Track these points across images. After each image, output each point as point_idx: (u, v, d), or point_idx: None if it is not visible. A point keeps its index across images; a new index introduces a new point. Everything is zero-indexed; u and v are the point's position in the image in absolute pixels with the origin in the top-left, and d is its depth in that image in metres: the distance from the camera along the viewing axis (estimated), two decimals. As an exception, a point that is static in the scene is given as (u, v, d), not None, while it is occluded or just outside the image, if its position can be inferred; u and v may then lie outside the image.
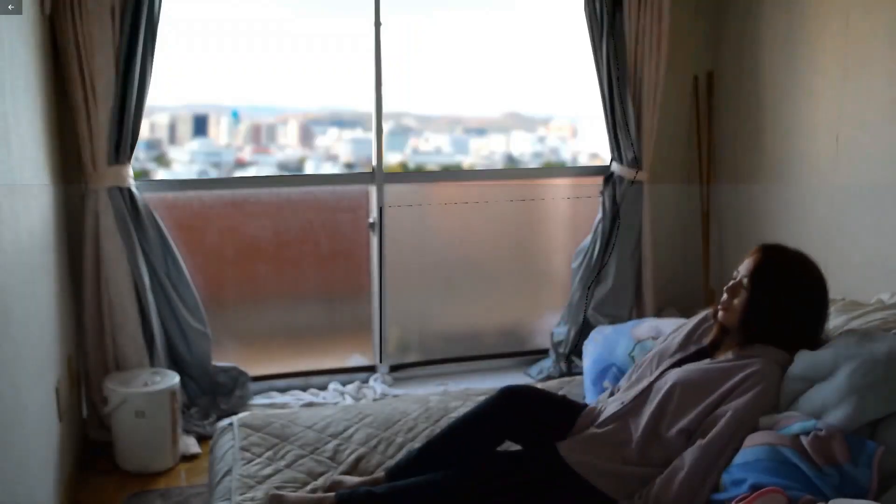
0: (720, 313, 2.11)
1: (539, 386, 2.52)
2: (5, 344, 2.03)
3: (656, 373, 2.15)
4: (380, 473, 2.20)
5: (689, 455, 1.90)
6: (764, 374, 1.96)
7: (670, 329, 2.78)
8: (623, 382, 2.30)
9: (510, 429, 2.18)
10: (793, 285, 2.04)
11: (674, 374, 2.07)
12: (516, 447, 2.26)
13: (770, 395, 1.95)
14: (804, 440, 1.76)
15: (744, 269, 2.09)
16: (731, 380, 1.97)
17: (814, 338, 2.08)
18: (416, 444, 2.38)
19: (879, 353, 1.87)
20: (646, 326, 2.83)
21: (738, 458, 1.83)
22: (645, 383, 2.13)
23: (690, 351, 2.18)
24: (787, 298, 2.03)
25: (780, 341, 2.04)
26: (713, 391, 1.97)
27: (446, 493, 2.01)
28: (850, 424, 1.80)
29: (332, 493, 2.06)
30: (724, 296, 2.09)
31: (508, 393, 2.20)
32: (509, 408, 2.18)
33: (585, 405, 2.29)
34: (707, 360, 2.10)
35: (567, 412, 2.22)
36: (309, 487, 2.18)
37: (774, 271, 2.04)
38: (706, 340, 2.18)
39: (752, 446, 1.82)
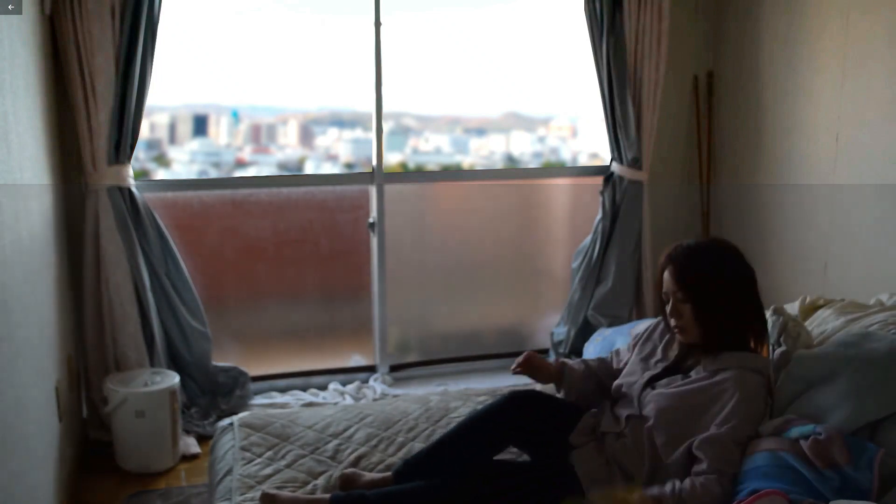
0: (678, 336, 2.06)
1: (539, 388, 2.52)
2: (5, 344, 2.03)
3: (636, 400, 2.08)
4: (388, 474, 2.19)
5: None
6: (741, 390, 1.90)
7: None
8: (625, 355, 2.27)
9: (515, 431, 2.16)
10: (717, 270, 1.99)
11: (652, 406, 2.01)
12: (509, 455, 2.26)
13: (754, 407, 1.91)
14: (803, 444, 1.76)
15: (668, 285, 2.03)
16: (711, 407, 1.91)
17: (757, 304, 2.03)
18: (418, 445, 2.39)
19: (877, 354, 1.87)
20: (643, 326, 2.84)
21: (741, 466, 1.82)
22: (631, 410, 2.07)
23: (658, 370, 2.11)
24: (721, 285, 1.98)
25: (742, 340, 2.00)
26: (696, 419, 1.92)
27: (440, 500, 2.01)
28: (850, 426, 1.80)
29: (327, 496, 2.07)
30: (672, 320, 2.03)
31: (515, 396, 2.19)
32: (516, 411, 2.16)
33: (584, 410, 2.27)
34: (679, 379, 2.03)
35: (570, 417, 2.19)
36: (309, 487, 2.18)
37: (695, 270, 1.99)
38: (673, 354, 2.12)
39: (752, 453, 1.82)
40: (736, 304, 2.00)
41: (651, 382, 2.08)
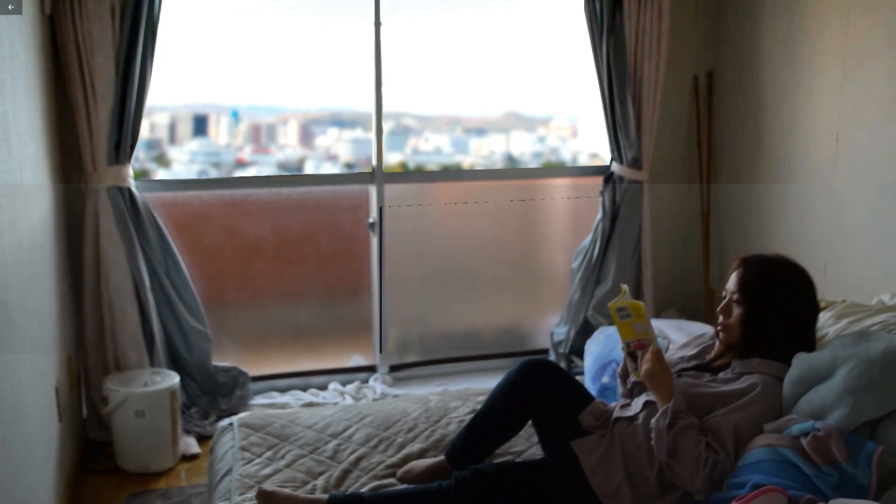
0: (720, 334, 2.14)
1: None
2: (5, 344, 2.03)
3: None
4: (442, 458, 2.28)
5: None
6: (760, 392, 1.98)
7: (669, 329, 2.77)
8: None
9: (531, 401, 2.22)
10: (781, 290, 2.06)
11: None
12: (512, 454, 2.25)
13: (765, 411, 1.96)
14: (803, 441, 1.77)
15: (731, 285, 2.12)
16: (728, 402, 1.98)
17: (809, 337, 2.10)
18: (418, 445, 2.39)
19: (875, 353, 1.88)
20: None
21: (741, 461, 1.83)
22: (651, 396, 2.10)
23: (690, 364, 2.20)
24: (779, 305, 2.05)
25: (779, 352, 2.05)
26: (711, 409, 1.98)
27: (440, 501, 2.01)
28: (849, 424, 1.81)
29: (325, 496, 2.07)
30: (720, 317, 2.13)
31: (532, 363, 2.26)
32: (536, 375, 2.23)
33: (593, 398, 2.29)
34: (707, 376, 2.11)
35: (580, 395, 2.25)
36: (308, 487, 2.18)
37: (760, 281, 2.07)
38: (708, 356, 2.21)
39: (754, 448, 1.83)
40: (783, 327, 2.07)
41: (679, 374, 2.15)
